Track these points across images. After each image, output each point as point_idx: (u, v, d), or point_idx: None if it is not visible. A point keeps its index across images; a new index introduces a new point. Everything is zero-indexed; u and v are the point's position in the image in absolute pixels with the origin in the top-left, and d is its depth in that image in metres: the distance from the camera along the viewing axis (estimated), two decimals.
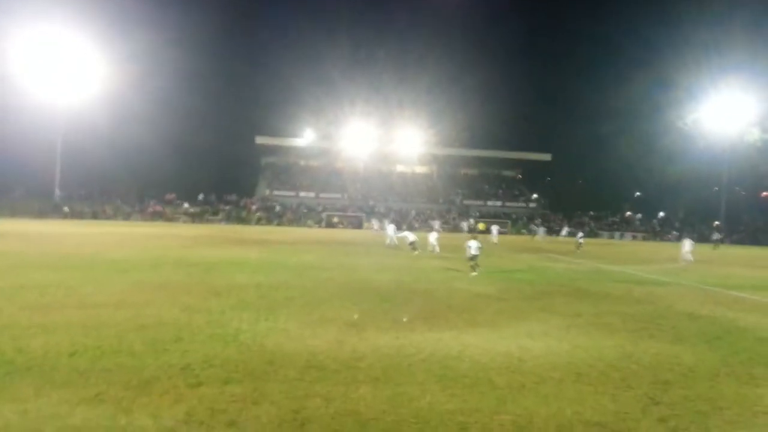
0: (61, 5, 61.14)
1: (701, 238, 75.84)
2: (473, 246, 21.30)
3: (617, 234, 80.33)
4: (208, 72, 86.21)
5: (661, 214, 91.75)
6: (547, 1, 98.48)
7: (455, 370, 8.83)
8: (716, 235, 58.53)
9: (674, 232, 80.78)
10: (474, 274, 20.93)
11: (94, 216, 67.22)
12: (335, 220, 76.02)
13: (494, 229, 51.68)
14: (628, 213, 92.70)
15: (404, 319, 11.75)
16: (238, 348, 9.60)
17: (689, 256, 32.19)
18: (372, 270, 22.45)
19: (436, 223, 69.70)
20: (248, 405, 6.98)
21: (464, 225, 73.51)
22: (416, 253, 30.75)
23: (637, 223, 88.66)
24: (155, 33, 70.10)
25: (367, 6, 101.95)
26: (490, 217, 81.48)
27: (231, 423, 6.42)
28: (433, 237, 33.66)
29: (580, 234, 46.04)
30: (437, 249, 31.96)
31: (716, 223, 74.23)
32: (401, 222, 66.20)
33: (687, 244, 33.34)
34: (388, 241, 37.24)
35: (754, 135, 74.42)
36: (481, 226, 63.12)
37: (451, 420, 6.74)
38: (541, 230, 63.34)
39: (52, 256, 22.84)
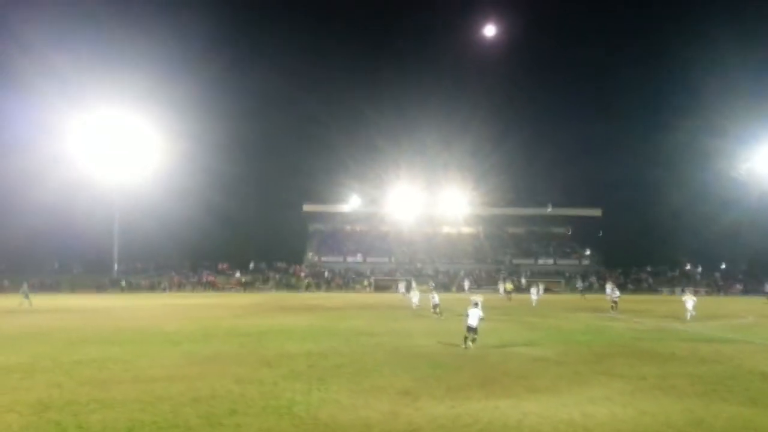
0: (114, 85, 65.56)
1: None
2: (472, 315, 17.81)
3: (678, 290, 76.99)
4: (255, 143, 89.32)
5: (723, 266, 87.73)
6: (591, 50, 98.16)
7: None
8: None
9: (738, 286, 76.97)
10: (469, 345, 17.64)
11: (151, 288, 69.11)
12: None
13: (534, 289, 46.12)
14: (688, 267, 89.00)
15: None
16: (291, 420, 9.49)
17: (692, 312, 29.96)
18: (422, 334, 22.09)
19: (466, 283, 68.35)
20: None
21: (500, 286, 60.45)
22: (441, 317, 29.62)
23: (698, 277, 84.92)
24: (202, 107, 73.64)
25: (409, 67, 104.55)
26: (542, 275, 79.63)
27: None
28: (417, 298, 35.47)
29: (612, 290, 39.92)
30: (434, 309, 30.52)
31: None
32: (436, 284, 65.10)
33: (689, 300, 30.93)
34: (414, 305, 35.34)
35: None
36: (508, 286, 54.38)
37: None
38: (534, 291, 47.01)
39: (109, 330, 23.45)
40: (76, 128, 65.26)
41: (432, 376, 13.42)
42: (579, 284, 68.26)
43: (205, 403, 10.59)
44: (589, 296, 58.22)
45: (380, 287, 75.60)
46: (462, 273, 79.51)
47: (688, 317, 29.44)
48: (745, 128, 70.05)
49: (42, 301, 44.08)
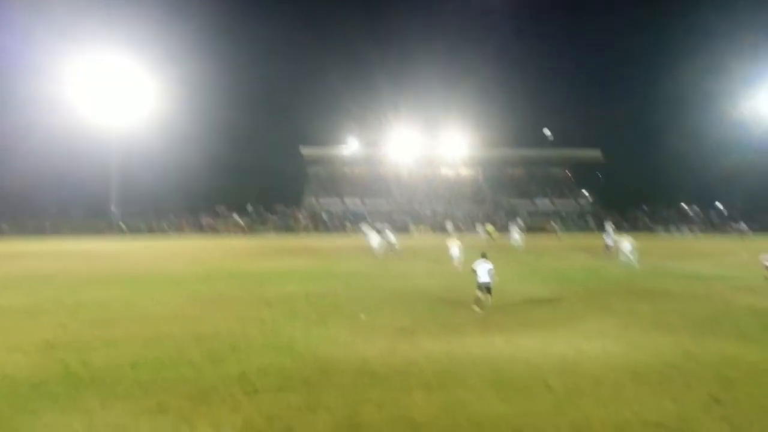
0: (113, 31, 64.22)
1: (761, 228, 72.61)
2: (482, 269, 14.28)
3: (673, 228, 77.61)
4: (253, 87, 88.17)
5: (719, 205, 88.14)
6: None
7: (508, 373, 8.73)
8: (742, 226, 55.63)
9: (733, 224, 77.54)
10: (476, 309, 13.97)
11: (149, 231, 69.55)
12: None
13: (514, 231, 41.69)
14: (683, 205, 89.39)
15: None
16: (292, 357, 9.76)
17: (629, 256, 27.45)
18: (420, 275, 22.41)
19: (449, 225, 68.26)
20: (303, 412, 7.10)
21: (479, 228, 57.35)
22: (394, 256, 30.81)
23: (694, 216, 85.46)
24: (200, 53, 72.34)
25: (410, 10, 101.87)
26: (539, 216, 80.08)
27: (287, 430, 6.54)
28: (376, 242, 32.44)
29: (610, 232, 37.64)
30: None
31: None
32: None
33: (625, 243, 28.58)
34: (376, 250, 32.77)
35: None
36: (489, 228, 48.00)
37: (505, 424, 6.68)
38: (516, 232, 43.13)
39: (111, 273, 23.75)
40: (75, 73, 64.19)
41: (429, 315, 13.71)
42: (555, 225, 67.80)
43: (208, 341, 10.86)
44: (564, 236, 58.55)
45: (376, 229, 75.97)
46: (451, 215, 79.80)
47: (624, 259, 26.60)
48: (748, 67, 68.79)
49: (42, 245, 44.42)
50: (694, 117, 75.49)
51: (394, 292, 17.55)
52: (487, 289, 14.07)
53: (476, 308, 13.98)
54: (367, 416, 6.94)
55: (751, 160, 76.16)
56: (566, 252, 36.54)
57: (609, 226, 43.81)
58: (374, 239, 33.40)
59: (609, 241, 34.25)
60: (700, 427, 6.55)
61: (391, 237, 33.69)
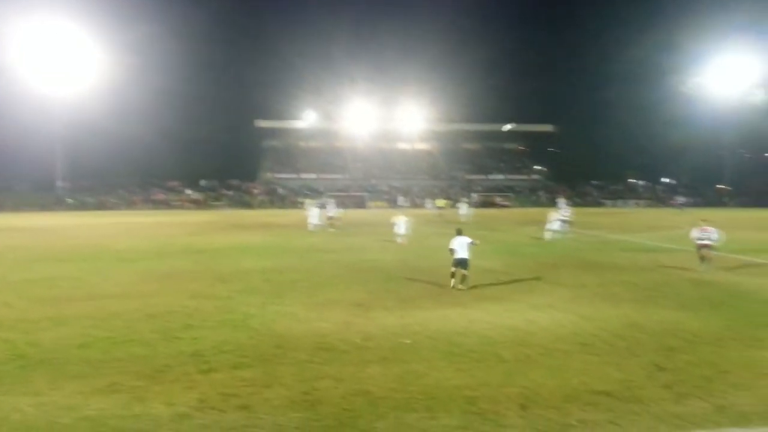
0: None
1: (705, 202, 75.75)
2: (460, 245, 13.75)
3: (620, 202, 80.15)
4: (206, 58, 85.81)
5: (665, 180, 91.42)
6: None
7: (462, 345, 8.94)
8: (681, 199, 58.09)
9: (679, 198, 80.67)
10: (459, 285, 13.63)
11: (98, 206, 67.47)
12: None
13: (463, 206, 43.24)
14: (631, 180, 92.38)
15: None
16: (247, 333, 9.72)
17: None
18: (376, 250, 22.54)
19: (400, 199, 68.55)
20: (259, 388, 7.11)
21: (428, 203, 60.01)
22: (331, 230, 31.43)
23: (641, 190, 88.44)
24: (151, 23, 69.80)
25: None
26: (493, 190, 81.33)
27: (243, 407, 6.55)
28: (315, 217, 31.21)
29: (563, 206, 40.84)
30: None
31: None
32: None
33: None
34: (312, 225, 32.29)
35: (757, 97, 73.65)
36: (439, 202, 50.82)
37: (458, 395, 6.85)
38: (464, 206, 45.82)
39: (59, 249, 23.00)
40: (16, 39, 60.69)
41: (385, 289, 13.84)
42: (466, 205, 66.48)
43: (160, 318, 10.69)
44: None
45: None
46: (404, 189, 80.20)
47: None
48: (695, 44, 70.77)
49: None
50: (643, 93, 77.56)
51: (350, 267, 17.61)
52: (463, 264, 13.59)
53: (459, 286, 13.50)
54: (324, 391, 7.01)
55: (697, 136, 78.98)
56: (518, 226, 37.31)
57: (562, 201, 45.11)
58: (314, 214, 32.42)
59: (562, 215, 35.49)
60: (644, 394, 6.87)
61: (334, 212, 34.19)
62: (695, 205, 76.37)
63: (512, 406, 6.49)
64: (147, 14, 70.36)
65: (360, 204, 75.87)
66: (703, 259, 16.42)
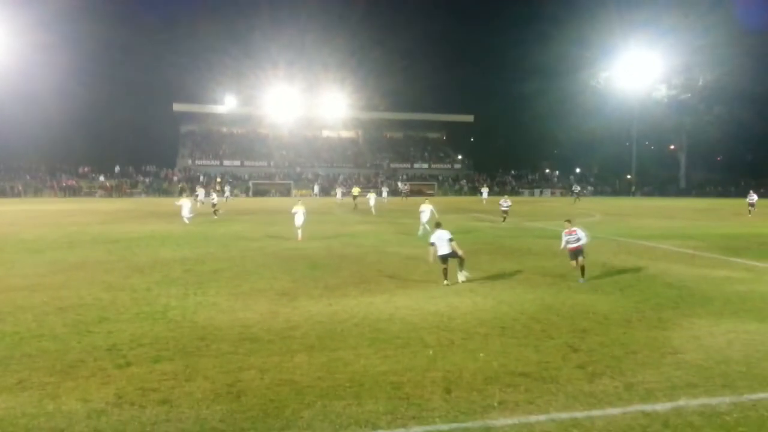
0: None
1: (613, 191, 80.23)
2: (441, 241, 12.97)
3: (537, 191, 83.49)
4: (119, 37, 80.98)
5: (577, 170, 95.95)
6: None
7: (387, 332, 9.06)
8: (576, 188, 61.64)
9: (589, 187, 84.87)
10: (459, 279, 13.01)
11: (2, 193, 62.92)
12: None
13: (371, 196, 40.53)
14: (547, 170, 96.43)
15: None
16: (167, 325, 9.42)
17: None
18: (302, 238, 22.34)
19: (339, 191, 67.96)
20: (181, 382, 6.91)
21: (338, 192, 59.29)
22: (215, 217, 32.17)
23: (555, 180, 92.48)
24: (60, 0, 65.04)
25: None
26: (417, 179, 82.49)
27: (164, 401, 6.35)
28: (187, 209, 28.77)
29: (485, 194, 46.76)
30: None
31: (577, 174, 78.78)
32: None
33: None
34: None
35: (660, 92, 78.50)
36: (356, 190, 48.76)
37: (384, 381, 6.95)
38: (385, 192, 52.55)
39: None
40: None
41: (310, 277, 13.79)
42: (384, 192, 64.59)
43: (72, 312, 10.16)
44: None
45: (259, 192, 74.56)
46: (341, 177, 79.92)
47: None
48: (606, 38, 74.17)
49: None
50: (558, 86, 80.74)
51: (275, 256, 17.40)
52: (445, 259, 12.84)
53: (444, 281, 12.69)
54: (248, 382, 6.91)
55: (607, 128, 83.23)
56: (442, 215, 38.05)
57: (485, 190, 47.33)
58: (186, 204, 29.39)
59: (484, 203, 38.18)
60: (560, 374, 7.23)
61: (216, 199, 35.59)
62: (603, 194, 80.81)
63: (437, 390, 6.67)
64: None
65: (285, 192, 74.88)
66: (576, 266, 13.59)
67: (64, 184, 69.33)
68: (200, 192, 40.33)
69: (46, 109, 66.69)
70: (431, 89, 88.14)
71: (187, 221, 28.28)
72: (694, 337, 8.86)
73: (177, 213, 29.43)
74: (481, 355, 7.92)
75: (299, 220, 21.96)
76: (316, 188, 70.89)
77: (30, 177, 69.98)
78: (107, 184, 71.48)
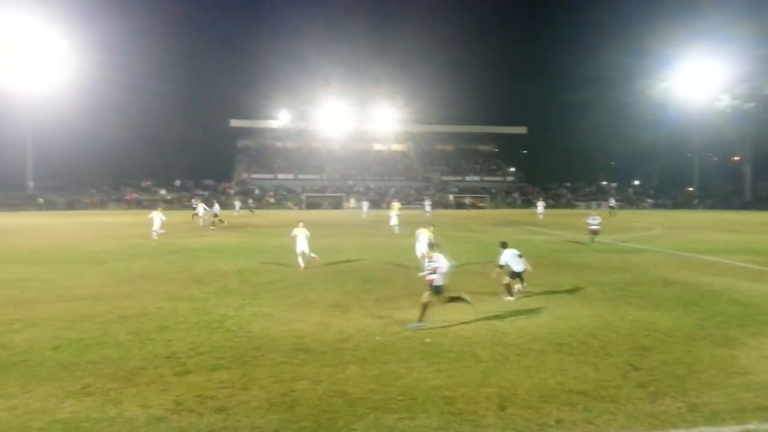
0: None
1: (675, 204, 77.33)
2: (512, 257, 13.04)
3: (594, 204, 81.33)
4: (180, 56, 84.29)
5: (636, 182, 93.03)
6: None
7: (439, 345, 8.98)
8: (612, 202, 59.32)
9: (649, 200, 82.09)
10: (509, 298, 12.83)
11: (69, 206, 66.07)
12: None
13: (392, 213, 35.58)
14: (604, 183, 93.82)
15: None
16: (224, 334, 9.63)
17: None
18: (353, 250, 22.52)
19: (355, 201, 67.10)
20: (237, 390, 7.05)
21: (351, 202, 59.80)
22: (212, 228, 33.71)
23: (613, 192, 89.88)
24: (123, 19, 68.40)
25: None
26: (468, 192, 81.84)
27: (220, 409, 6.49)
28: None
29: (540, 209, 45.73)
30: None
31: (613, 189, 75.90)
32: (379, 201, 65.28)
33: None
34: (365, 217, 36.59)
35: (723, 102, 75.40)
36: (395, 205, 42.25)
37: (437, 395, 6.88)
38: (428, 205, 53.27)
39: (29, 250, 22.48)
40: None
41: (362, 290, 13.85)
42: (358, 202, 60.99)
43: (134, 320, 10.54)
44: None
45: (311, 205, 75.59)
46: (392, 191, 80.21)
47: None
48: (666, 48, 72.06)
49: None
50: (613, 96, 78.79)
51: (327, 268, 17.55)
52: (518, 276, 13.05)
53: (512, 297, 12.73)
54: (301, 393, 6.98)
55: (666, 139, 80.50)
56: (494, 227, 37.63)
57: (540, 204, 46.39)
58: (157, 218, 28.50)
59: (540, 217, 38.22)
60: (619, 393, 6.98)
61: (218, 210, 37.46)
62: (664, 206, 77.95)
63: (490, 406, 6.55)
64: (120, 10, 69.06)
65: (337, 205, 75.67)
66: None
67: (127, 198, 72.28)
68: (199, 207, 40.31)
69: (111, 126, 69.98)
70: (483, 101, 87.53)
71: (155, 236, 27.15)
72: (763, 357, 8.41)
73: (237, 225, 30.18)
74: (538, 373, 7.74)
75: (301, 245, 17.82)
76: (353, 202, 67.20)
77: (95, 191, 73.28)
78: (168, 197, 74.03)
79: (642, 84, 78.16)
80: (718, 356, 8.47)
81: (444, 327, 10.13)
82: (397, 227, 31.78)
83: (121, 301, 12.27)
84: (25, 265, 17.85)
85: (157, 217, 28.28)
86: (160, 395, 6.88)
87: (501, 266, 12.98)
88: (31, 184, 68.94)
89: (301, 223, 18.58)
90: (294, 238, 18.01)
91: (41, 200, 64.75)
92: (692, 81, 73.92)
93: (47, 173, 72.21)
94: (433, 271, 10.45)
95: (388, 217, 33.62)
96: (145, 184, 77.53)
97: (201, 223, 36.99)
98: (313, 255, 17.88)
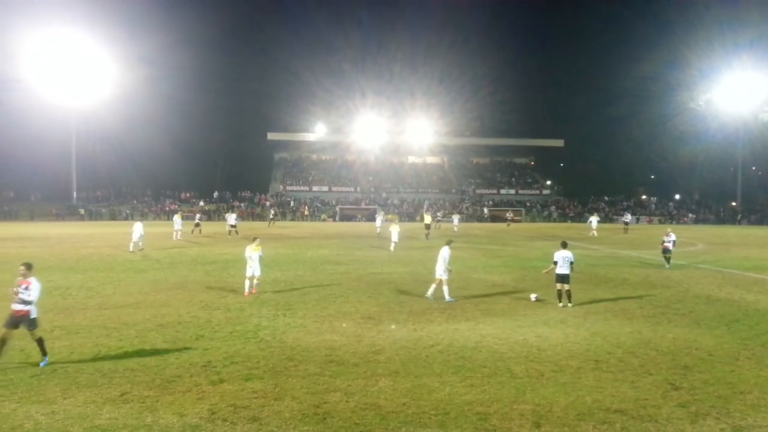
0: (70, 8, 61.68)
1: (717, 220, 74.99)
2: (562, 259, 13.44)
3: (633, 218, 79.45)
4: (218, 70, 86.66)
5: (677, 196, 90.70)
6: None
7: (473, 360, 8.88)
8: (627, 217, 57.44)
9: (690, 215, 79.89)
10: (567, 304, 13.38)
11: (111, 217, 67.96)
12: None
13: (455, 218, 42.45)
14: (643, 196, 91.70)
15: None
16: (258, 344, 9.73)
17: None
18: (387, 263, 22.51)
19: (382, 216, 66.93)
20: (270, 401, 7.09)
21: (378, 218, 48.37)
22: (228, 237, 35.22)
23: (653, 206, 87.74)
24: (164, 34, 70.43)
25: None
26: (504, 205, 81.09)
27: (254, 419, 6.53)
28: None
29: (593, 219, 45.28)
30: None
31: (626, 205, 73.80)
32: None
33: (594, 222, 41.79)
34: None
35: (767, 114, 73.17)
36: (427, 218, 44.28)
37: (470, 410, 6.79)
38: (456, 219, 53.01)
39: (72, 258, 23.16)
40: (30, 50, 61.48)
41: (395, 302, 13.82)
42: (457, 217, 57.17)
43: (172, 329, 10.73)
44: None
45: (345, 217, 75.94)
46: (426, 203, 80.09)
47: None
48: (707, 59, 70.50)
49: (0, 229, 42.99)
50: (653, 109, 77.29)
51: (361, 280, 17.59)
52: (562, 280, 13.41)
53: (560, 303, 13.37)
54: (334, 404, 6.98)
55: (708, 153, 78.40)
56: (529, 241, 37.13)
57: (594, 219, 45.22)
58: (138, 229, 26.68)
59: (594, 233, 40.45)
60: (659, 413, 6.77)
61: (234, 221, 39.38)
62: (706, 222, 75.69)
63: (525, 424, 6.43)
64: (160, 25, 71.08)
65: (371, 217, 75.89)
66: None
67: (167, 209, 73.96)
68: (230, 217, 40.94)
69: (152, 138, 71.96)
70: (519, 114, 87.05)
71: (132, 248, 25.86)
72: None
73: (270, 236, 30.48)
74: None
75: (252, 268, 15.21)
76: (378, 220, 58.93)
77: (137, 201, 75.22)
78: (206, 208, 75.50)
79: (683, 96, 76.46)
80: (764, 377, 8.15)
81: (477, 341, 10.01)
82: (394, 245, 27.94)
83: (160, 310, 12.53)
84: (67, 273, 18.39)
85: (138, 228, 26.33)
86: (195, 404, 6.97)
87: (555, 262, 13.56)
88: (75, 194, 71.17)
89: (256, 240, 15.92)
90: (247, 259, 15.37)
91: (83, 211, 66.79)
92: (735, 93, 71.99)
93: (91, 184, 74.53)
94: None
95: (389, 233, 29.30)
96: (184, 195, 79.23)
97: (236, 235, 37.52)
98: (256, 281, 15.19)
